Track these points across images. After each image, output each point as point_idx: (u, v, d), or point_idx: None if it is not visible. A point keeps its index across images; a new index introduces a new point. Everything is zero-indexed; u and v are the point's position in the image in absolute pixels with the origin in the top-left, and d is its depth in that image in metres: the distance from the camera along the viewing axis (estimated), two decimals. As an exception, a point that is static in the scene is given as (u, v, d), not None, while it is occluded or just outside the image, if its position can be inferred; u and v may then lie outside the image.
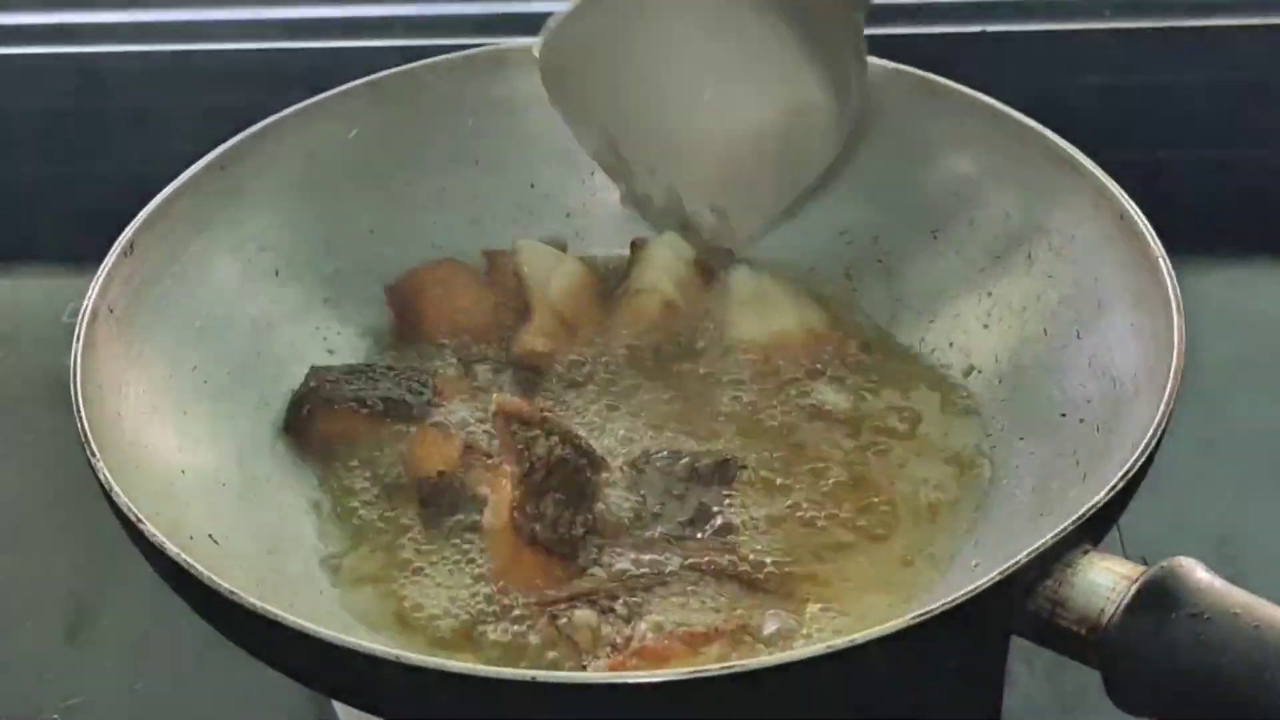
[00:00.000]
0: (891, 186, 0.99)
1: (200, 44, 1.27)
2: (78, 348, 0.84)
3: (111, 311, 0.87)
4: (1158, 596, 0.70)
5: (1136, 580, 0.71)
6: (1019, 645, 0.89)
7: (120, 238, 0.90)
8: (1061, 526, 0.73)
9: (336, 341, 0.98)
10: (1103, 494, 0.75)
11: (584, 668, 0.79)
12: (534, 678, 0.70)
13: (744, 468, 0.89)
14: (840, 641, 0.70)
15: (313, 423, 0.91)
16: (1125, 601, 0.70)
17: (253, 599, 0.73)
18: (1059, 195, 0.93)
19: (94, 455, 0.79)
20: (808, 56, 0.95)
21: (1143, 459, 0.77)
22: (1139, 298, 0.86)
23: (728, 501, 0.88)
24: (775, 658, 0.71)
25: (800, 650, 0.71)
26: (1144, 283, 0.86)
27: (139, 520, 0.77)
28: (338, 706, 0.91)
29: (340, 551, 0.88)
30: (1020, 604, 0.72)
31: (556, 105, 0.98)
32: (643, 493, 0.88)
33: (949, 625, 0.71)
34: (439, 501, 0.88)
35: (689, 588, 0.83)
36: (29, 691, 0.93)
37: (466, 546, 0.86)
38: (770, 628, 0.82)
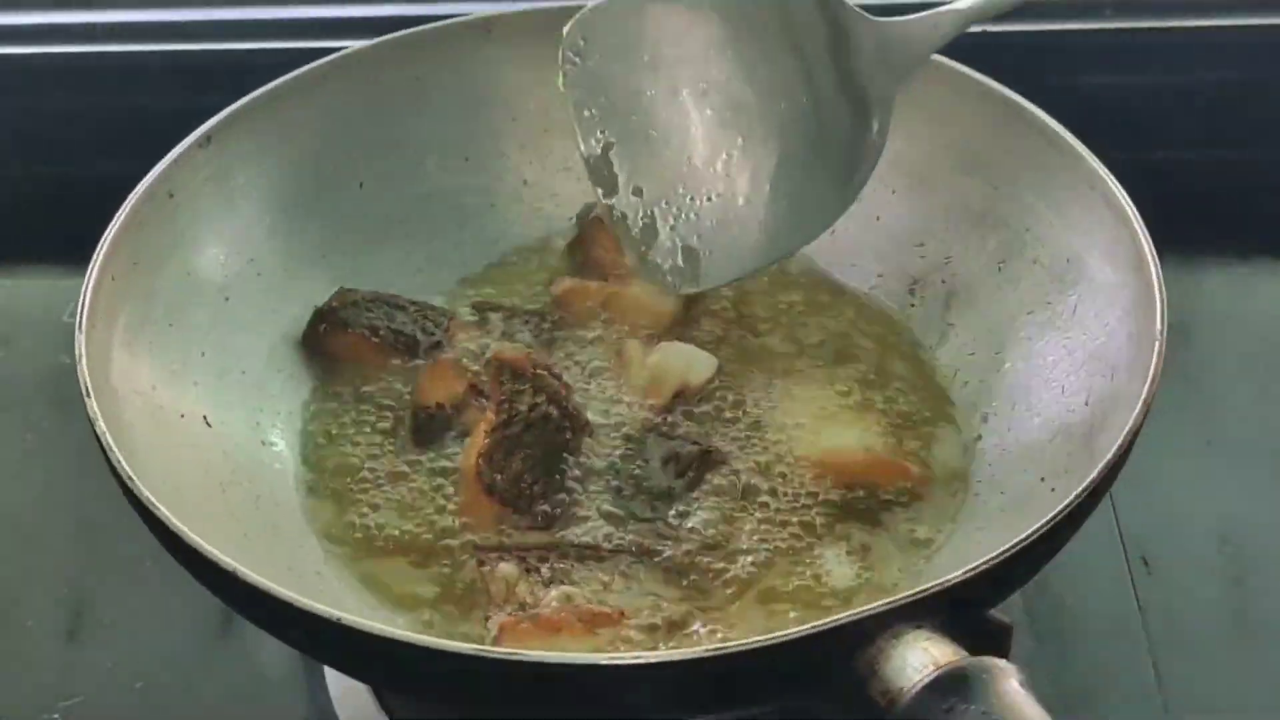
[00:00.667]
0: (973, 208, 0.97)
1: (203, 44, 1.27)
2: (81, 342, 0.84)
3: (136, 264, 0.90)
4: (956, 686, 0.70)
5: (944, 666, 0.71)
6: (1019, 645, 0.89)
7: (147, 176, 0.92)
8: (883, 602, 0.72)
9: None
10: (934, 583, 0.73)
11: (487, 618, 0.82)
12: (340, 618, 0.72)
13: (723, 463, 0.89)
14: (654, 655, 0.73)
15: (326, 340, 0.95)
16: (926, 682, 0.70)
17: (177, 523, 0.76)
18: (1114, 252, 0.90)
19: (88, 394, 0.81)
20: (834, 121, 0.93)
21: (995, 562, 0.75)
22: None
23: (697, 494, 0.88)
24: (592, 657, 0.74)
25: (623, 655, 0.74)
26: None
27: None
28: (337, 706, 0.91)
29: (318, 464, 0.91)
30: (840, 663, 0.72)
31: (566, 89, 0.94)
32: (618, 464, 0.89)
33: (766, 663, 0.71)
34: (430, 431, 0.91)
35: (622, 568, 0.84)
36: (29, 691, 0.93)
37: (441, 479, 0.89)
38: (680, 624, 0.83)
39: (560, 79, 0.92)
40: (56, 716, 0.91)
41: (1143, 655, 0.94)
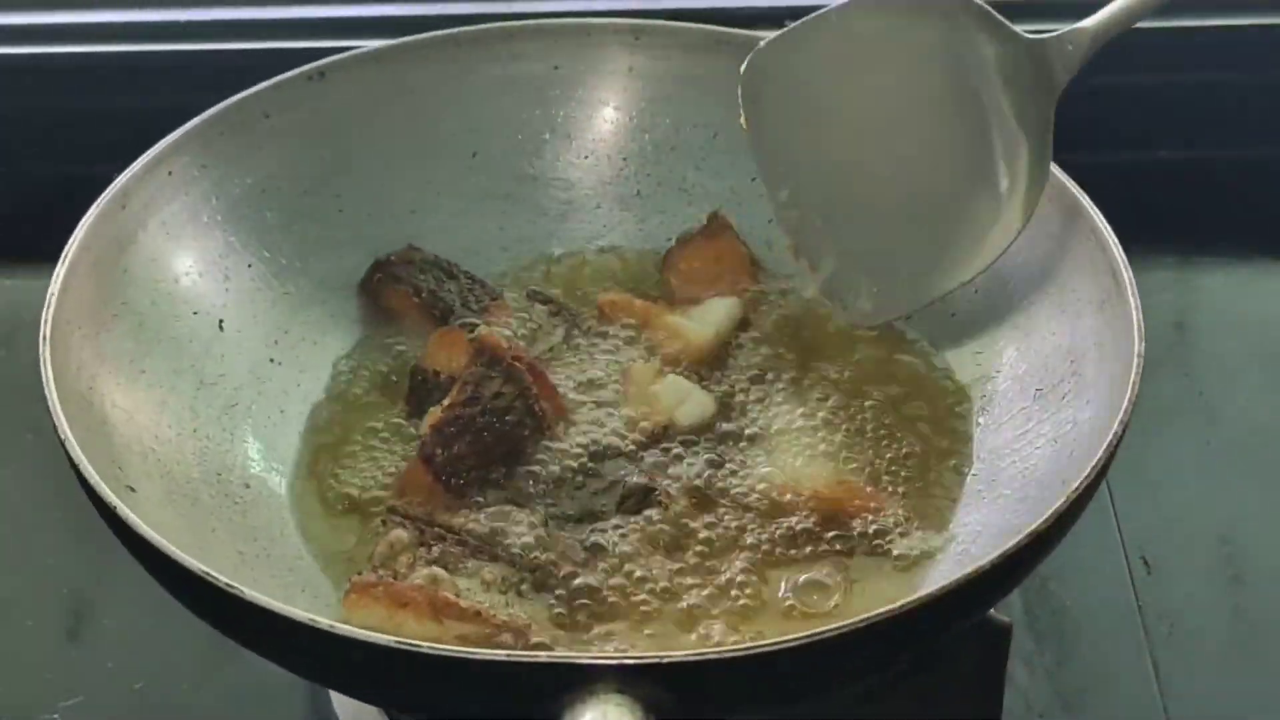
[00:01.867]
0: (1041, 334, 0.92)
1: (206, 44, 1.27)
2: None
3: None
4: None
5: None
6: (1019, 645, 0.89)
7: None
8: (588, 655, 0.73)
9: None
10: (642, 655, 0.73)
11: (359, 573, 0.82)
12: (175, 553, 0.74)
13: (665, 506, 0.86)
14: (362, 634, 0.71)
15: (377, 290, 0.97)
16: None
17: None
18: (1110, 405, 0.83)
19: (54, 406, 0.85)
20: (1002, 146, 0.92)
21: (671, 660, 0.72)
22: None
23: (625, 528, 0.85)
24: (346, 629, 0.72)
25: (355, 630, 0.72)
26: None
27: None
28: (337, 706, 0.91)
29: (318, 412, 0.93)
30: (534, 701, 0.71)
31: (748, 128, 0.95)
32: (566, 476, 0.87)
33: (465, 677, 0.71)
34: (422, 395, 0.92)
35: (509, 574, 0.82)
36: (29, 691, 0.93)
37: (412, 443, 0.89)
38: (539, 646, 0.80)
39: (743, 117, 0.94)
40: (56, 716, 0.91)
41: (1143, 655, 0.94)
